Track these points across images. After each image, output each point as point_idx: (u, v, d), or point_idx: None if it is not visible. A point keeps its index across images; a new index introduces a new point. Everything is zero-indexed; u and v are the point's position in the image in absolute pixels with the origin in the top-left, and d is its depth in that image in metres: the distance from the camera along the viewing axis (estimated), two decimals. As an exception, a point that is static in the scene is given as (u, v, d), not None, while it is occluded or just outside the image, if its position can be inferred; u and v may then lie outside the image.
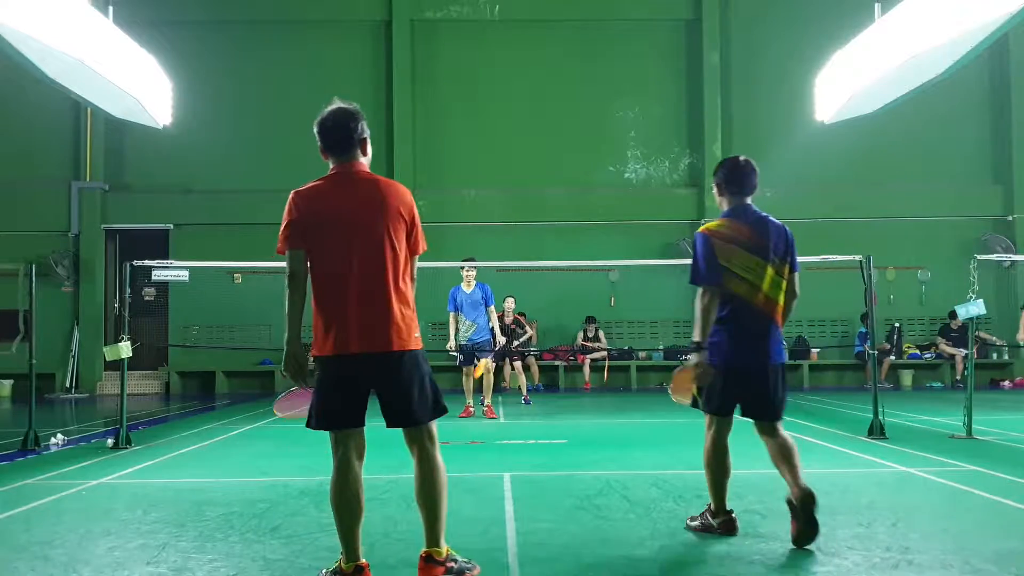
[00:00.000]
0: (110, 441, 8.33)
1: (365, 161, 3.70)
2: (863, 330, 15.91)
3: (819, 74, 10.91)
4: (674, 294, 16.43)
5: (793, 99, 16.02)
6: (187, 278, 12.80)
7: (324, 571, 3.68)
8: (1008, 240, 17.59)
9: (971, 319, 8.76)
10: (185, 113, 12.32)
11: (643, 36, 18.41)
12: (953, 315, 15.63)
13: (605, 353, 16.99)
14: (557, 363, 17.33)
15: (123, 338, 8.44)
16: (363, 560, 3.56)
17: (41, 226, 17.46)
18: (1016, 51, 17.74)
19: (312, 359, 3.57)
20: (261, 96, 18.08)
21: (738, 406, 4.49)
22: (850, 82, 9.78)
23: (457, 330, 11.19)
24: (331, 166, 3.67)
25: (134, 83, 9.54)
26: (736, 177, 4.52)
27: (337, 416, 3.52)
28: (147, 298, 17.83)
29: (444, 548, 3.57)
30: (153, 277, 15.35)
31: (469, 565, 3.62)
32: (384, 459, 7.36)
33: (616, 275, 17.44)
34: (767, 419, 4.39)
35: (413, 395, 3.54)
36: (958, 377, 16.50)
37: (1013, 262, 16.87)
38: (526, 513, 5.01)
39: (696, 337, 4.30)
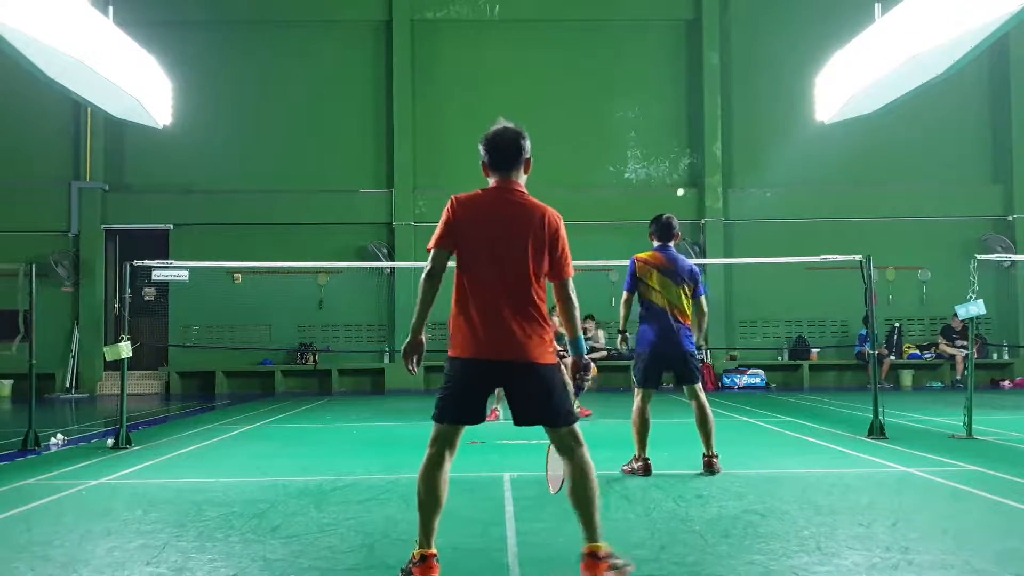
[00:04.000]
0: (110, 441, 8.32)
1: (523, 180, 4.01)
2: (863, 332, 15.91)
3: (819, 74, 10.91)
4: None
5: (793, 99, 16.04)
6: (187, 278, 12.78)
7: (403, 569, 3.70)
8: (1008, 240, 17.62)
9: (971, 319, 8.77)
10: (185, 113, 12.32)
11: (643, 36, 18.41)
12: (955, 315, 15.62)
13: (605, 353, 17.00)
14: (557, 363, 17.31)
15: (123, 338, 8.43)
16: (433, 550, 3.62)
17: (41, 226, 17.48)
18: (1016, 51, 17.74)
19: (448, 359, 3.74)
20: (261, 96, 18.08)
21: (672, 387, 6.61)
22: (850, 82, 9.77)
23: None
24: (492, 181, 3.98)
25: (134, 83, 9.54)
26: (662, 230, 6.64)
27: (457, 413, 3.69)
28: (147, 298, 17.83)
29: (603, 544, 3.61)
30: (153, 277, 15.31)
31: (626, 562, 3.64)
32: (384, 459, 7.38)
33: (616, 275, 17.42)
34: (689, 382, 6.44)
35: (541, 402, 3.71)
36: (958, 377, 16.49)
37: (1013, 262, 16.88)
38: (526, 513, 5.01)
39: (620, 326, 6.73)
